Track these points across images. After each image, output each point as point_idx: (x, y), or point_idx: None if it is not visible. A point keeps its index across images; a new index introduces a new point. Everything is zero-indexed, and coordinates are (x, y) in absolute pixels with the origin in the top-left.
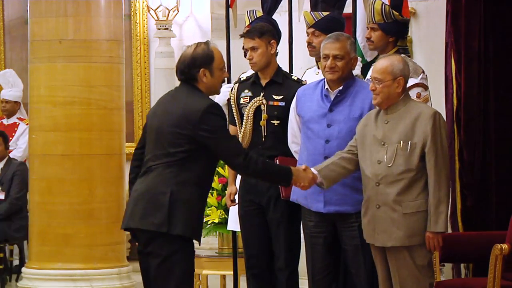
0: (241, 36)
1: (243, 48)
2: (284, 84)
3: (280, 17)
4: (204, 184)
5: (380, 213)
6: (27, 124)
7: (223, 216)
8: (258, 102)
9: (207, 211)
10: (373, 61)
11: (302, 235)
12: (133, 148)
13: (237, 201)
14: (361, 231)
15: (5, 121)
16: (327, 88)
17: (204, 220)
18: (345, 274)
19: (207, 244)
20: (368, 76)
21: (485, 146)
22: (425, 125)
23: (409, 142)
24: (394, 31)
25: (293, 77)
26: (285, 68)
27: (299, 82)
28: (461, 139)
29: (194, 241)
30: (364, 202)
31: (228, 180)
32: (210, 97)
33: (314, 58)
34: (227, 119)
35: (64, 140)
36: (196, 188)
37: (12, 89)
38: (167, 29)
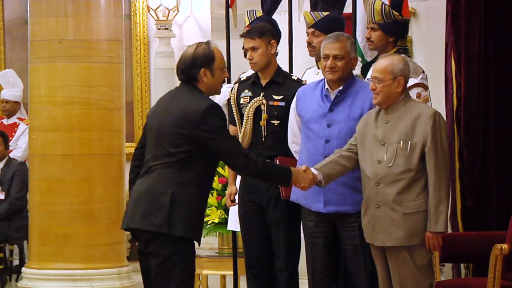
0: (241, 36)
1: (243, 48)
2: (284, 84)
3: (280, 17)
4: (205, 185)
5: (380, 213)
6: (27, 124)
7: (223, 216)
8: (258, 102)
9: (207, 211)
10: (373, 61)
11: (302, 235)
12: (133, 148)
13: (237, 201)
14: (361, 231)
15: (5, 121)
16: (327, 88)
17: (204, 220)
18: (345, 274)
19: (207, 244)
20: (368, 76)
21: (485, 146)
22: (425, 125)
23: (409, 142)
24: (394, 31)
25: (293, 77)
26: (285, 68)
27: (299, 82)
28: (461, 139)
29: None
30: (364, 201)
31: (228, 180)
32: (210, 97)
33: (314, 58)
34: (227, 119)
35: (64, 140)
36: (196, 188)
37: (12, 89)
38: (167, 29)
